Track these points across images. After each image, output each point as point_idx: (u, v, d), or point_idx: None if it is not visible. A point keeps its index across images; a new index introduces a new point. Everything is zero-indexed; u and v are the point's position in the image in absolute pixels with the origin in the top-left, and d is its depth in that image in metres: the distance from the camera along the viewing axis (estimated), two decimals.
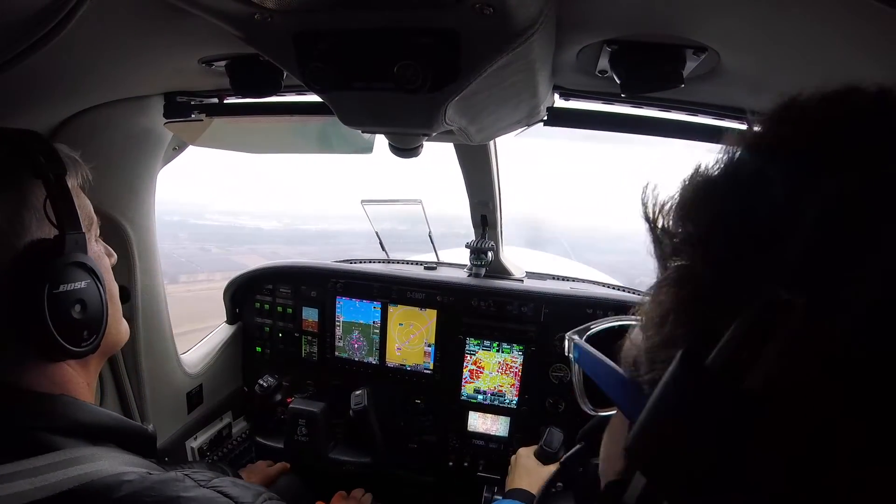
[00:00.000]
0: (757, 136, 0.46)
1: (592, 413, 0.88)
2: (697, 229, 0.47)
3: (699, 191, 0.48)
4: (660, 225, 0.51)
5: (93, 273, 1.04)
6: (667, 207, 0.50)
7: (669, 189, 0.51)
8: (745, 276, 0.41)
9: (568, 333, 0.82)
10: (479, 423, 2.68)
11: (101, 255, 1.14)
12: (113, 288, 1.15)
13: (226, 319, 2.87)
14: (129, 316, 1.97)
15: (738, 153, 0.46)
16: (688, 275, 0.47)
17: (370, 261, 3.19)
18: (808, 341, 0.36)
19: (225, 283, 2.79)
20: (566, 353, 0.78)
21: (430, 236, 3.17)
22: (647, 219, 0.52)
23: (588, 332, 0.85)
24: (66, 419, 0.95)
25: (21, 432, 0.89)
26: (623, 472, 0.53)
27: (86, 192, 1.12)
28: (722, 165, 0.47)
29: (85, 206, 1.09)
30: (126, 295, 1.26)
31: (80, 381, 1.06)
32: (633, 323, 0.58)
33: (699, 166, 0.48)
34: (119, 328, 1.19)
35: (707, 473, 0.40)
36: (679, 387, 0.43)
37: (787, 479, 0.38)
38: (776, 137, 0.45)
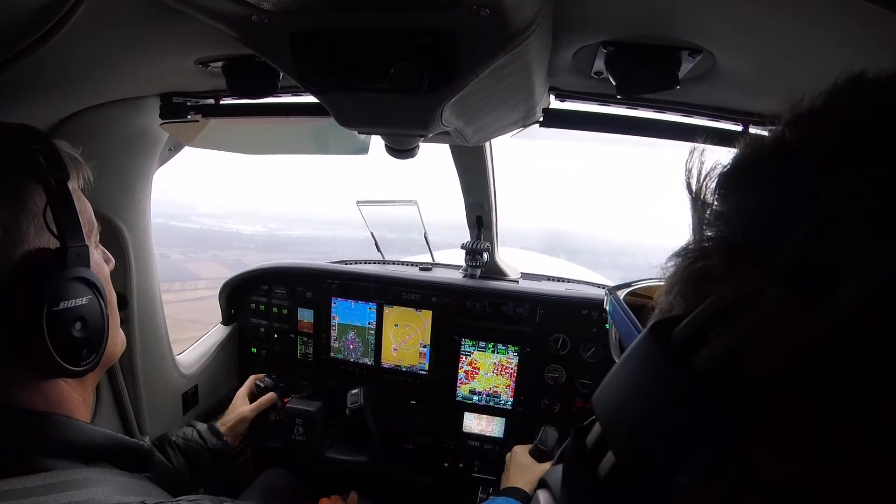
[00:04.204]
0: (791, 128, 0.45)
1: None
2: (729, 206, 0.46)
3: (737, 171, 0.47)
4: (699, 192, 0.50)
5: (95, 288, 0.99)
6: (712, 175, 0.50)
7: (715, 158, 0.50)
8: (744, 264, 0.41)
9: (608, 287, 0.84)
10: (474, 423, 2.68)
11: (101, 263, 1.09)
12: (112, 298, 1.10)
13: (221, 320, 2.87)
14: (125, 317, 1.97)
15: (772, 144, 0.45)
16: (704, 248, 0.47)
17: (365, 262, 3.19)
18: (770, 335, 0.36)
19: None
20: (604, 306, 0.81)
21: (425, 237, 3.17)
22: (687, 185, 0.51)
23: (629, 290, 0.87)
24: (57, 440, 0.91)
25: (10, 454, 0.85)
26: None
27: (86, 194, 1.07)
28: (760, 152, 0.46)
29: (85, 211, 1.04)
30: (123, 302, 1.22)
31: (76, 398, 1.01)
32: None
33: (750, 142, 0.47)
34: (116, 341, 1.13)
35: (645, 437, 0.41)
36: (641, 351, 0.44)
37: (717, 460, 0.38)
38: (802, 137, 0.43)
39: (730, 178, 0.47)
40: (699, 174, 0.50)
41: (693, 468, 0.38)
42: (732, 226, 0.44)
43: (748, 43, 1.08)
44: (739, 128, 1.51)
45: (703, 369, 0.38)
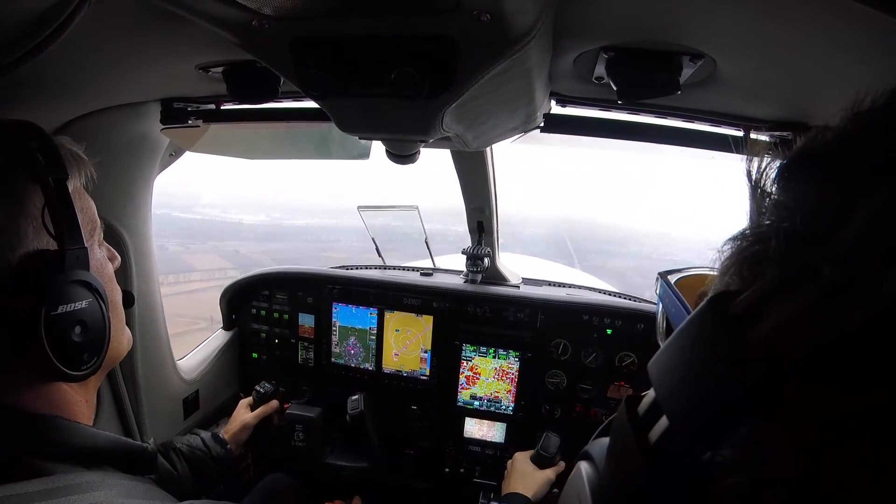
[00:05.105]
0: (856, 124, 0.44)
1: None
2: (789, 196, 0.46)
3: (798, 163, 0.47)
4: (759, 182, 0.50)
5: (95, 291, 0.97)
6: (771, 167, 0.49)
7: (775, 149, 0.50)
8: (802, 248, 0.41)
9: (660, 271, 0.85)
10: (475, 429, 2.68)
11: (103, 263, 1.07)
12: (116, 297, 1.09)
13: (222, 325, 2.87)
14: (126, 322, 1.97)
15: (835, 138, 0.45)
16: (763, 234, 0.47)
17: (366, 267, 3.19)
18: (821, 316, 0.36)
19: None
20: (655, 292, 0.82)
21: (426, 242, 3.17)
22: (748, 174, 0.51)
23: (680, 275, 0.88)
24: (58, 444, 0.89)
25: (10, 457, 0.84)
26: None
27: (89, 192, 1.06)
28: (838, 134, 0.45)
29: (88, 209, 1.03)
30: (130, 299, 1.19)
31: (79, 400, 1.00)
32: None
33: (814, 134, 0.47)
34: (121, 339, 1.12)
35: (699, 403, 0.42)
36: (699, 321, 0.45)
37: (764, 435, 0.39)
38: (865, 131, 0.43)
39: (790, 170, 0.47)
40: (759, 164, 0.50)
41: (741, 442, 0.40)
42: (792, 215, 0.44)
43: (749, 48, 1.08)
44: (740, 133, 1.51)
45: (759, 342, 0.38)
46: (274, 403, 2.44)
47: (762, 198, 0.49)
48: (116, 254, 1.16)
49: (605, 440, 0.61)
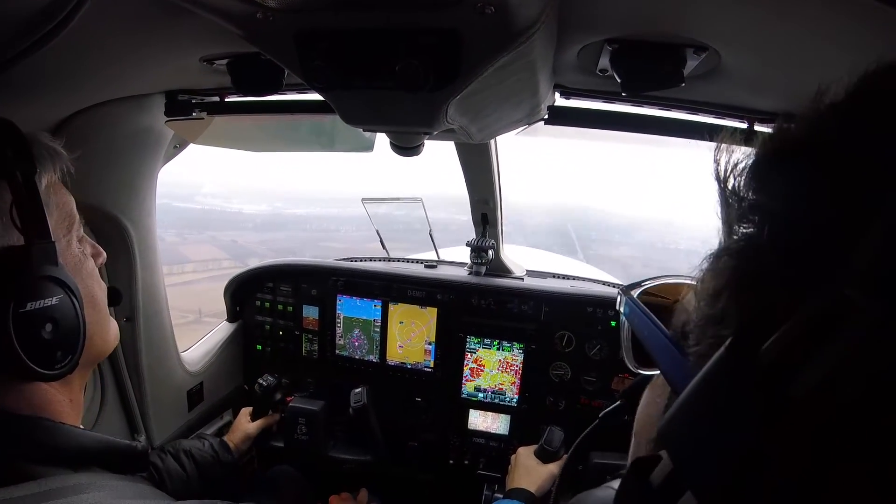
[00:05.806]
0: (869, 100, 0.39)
1: (635, 370, 0.87)
2: (772, 199, 0.41)
3: (782, 154, 0.42)
4: (730, 185, 0.45)
5: (66, 287, 0.94)
6: (741, 166, 0.44)
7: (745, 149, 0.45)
8: (815, 263, 0.36)
9: (621, 287, 0.80)
10: (479, 421, 2.68)
11: (81, 259, 1.05)
12: (96, 293, 1.07)
13: (226, 317, 2.88)
14: (130, 315, 1.99)
15: (840, 117, 0.39)
16: (752, 247, 0.42)
17: (371, 259, 3.19)
18: (870, 354, 0.31)
19: None
20: (617, 307, 0.76)
21: (430, 235, 3.17)
22: (716, 177, 0.46)
23: (641, 288, 0.83)
24: (45, 446, 0.88)
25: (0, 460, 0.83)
26: (657, 442, 0.48)
27: (69, 186, 1.05)
28: (813, 128, 0.40)
29: (64, 204, 1.01)
30: (117, 297, 1.17)
31: (62, 399, 0.98)
32: (689, 283, 0.52)
33: (785, 124, 0.42)
34: (105, 336, 1.10)
35: (732, 476, 0.36)
36: (723, 378, 0.39)
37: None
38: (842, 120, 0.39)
39: (767, 167, 0.43)
40: (727, 164, 0.45)
41: None
42: (778, 221, 0.40)
43: (753, 41, 1.08)
44: (744, 125, 1.50)
45: (803, 396, 0.33)
46: (276, 417, 2.53)
47: (736, 203, 0.44)
48: (101, 250, 1.15)
49: (599, 496, 0.56)
